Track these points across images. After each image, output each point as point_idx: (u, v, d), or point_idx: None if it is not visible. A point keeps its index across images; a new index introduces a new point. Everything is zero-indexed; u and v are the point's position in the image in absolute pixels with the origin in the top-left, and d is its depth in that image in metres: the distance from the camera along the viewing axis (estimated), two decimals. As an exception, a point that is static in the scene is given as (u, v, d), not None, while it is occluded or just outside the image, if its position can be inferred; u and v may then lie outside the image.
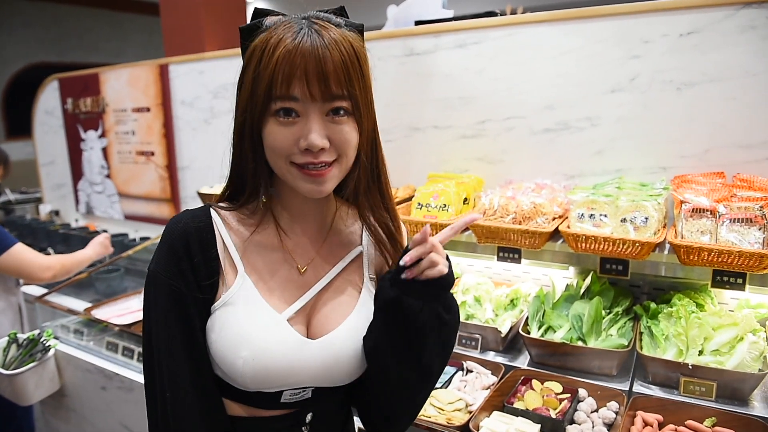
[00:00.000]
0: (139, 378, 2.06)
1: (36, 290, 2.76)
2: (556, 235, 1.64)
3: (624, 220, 1.54)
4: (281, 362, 0.89)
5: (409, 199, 2.03)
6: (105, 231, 3.42)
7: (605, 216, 1.56)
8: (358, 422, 1.13)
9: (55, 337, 2.37)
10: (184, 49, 3.36)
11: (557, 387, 1.54)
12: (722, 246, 1.37)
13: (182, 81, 3.15)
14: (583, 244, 1.54)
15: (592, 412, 1.48)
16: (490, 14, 2.11)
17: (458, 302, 1.83)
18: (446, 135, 2.20)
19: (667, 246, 1.54)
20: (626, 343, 1.59)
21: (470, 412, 1.50)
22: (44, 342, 2.29)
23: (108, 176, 3.70)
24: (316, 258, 0.98)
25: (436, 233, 1.00)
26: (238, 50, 0.89)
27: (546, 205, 1.67)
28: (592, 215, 1.58)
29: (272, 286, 0.93)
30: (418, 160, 2.27)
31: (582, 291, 1.82)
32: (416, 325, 0.87)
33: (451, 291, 0.93)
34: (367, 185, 0.94)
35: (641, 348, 1.57)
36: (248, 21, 0.88)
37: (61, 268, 2.30)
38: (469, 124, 2.14)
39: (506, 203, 1.71)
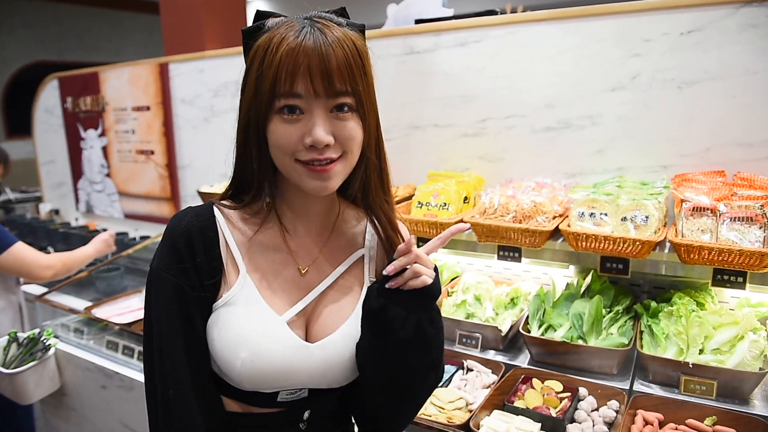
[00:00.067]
0: (140, 377, 2.06)
1: (36, 289, 2.76)
2: (556, 233, 1.64)
3: (624, 219, 1.53)
4: (279, 364, 0.89)
5: (410, 197, 2.03)
6: (105, 230, 3.42)
7: (606, 215, 1.56)
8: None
9: (56, 336, 2.38)
10: (184, 47, 3.35)
11: (558, 386, 1.54)
12: (723, 245, 1.37)
13: (182, 79, 3.15)
14: (584, 243, 1.54)
15: (592, 410, 1.48)
16: (491, 13, 2.12)
17: (459, 301, 1.85)
18: (446, 133, 2.20)
19: (668, 245, 1.54)
20: (627, 342, 1.59)
21: (470, 411, 1.50)
22: (44, 341, 2.29)
23: (108, 175, 3.70)
24: (319, 259, 0.98)
25: (436, 234, 1.00)
26: (239, 49, 0.89)
27: (546, 204, 1.67)
28: (592, 214, 1.58)
29: (274, 287, 0.93)
30: (418, 159, 2.27)
31: (582, 290, 1.82)
32: (400, 334, 0.88)
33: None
34: (375, 182, 0.93)
35: (642, 347, 1.57)
36: (248, 20, 0.88)
37: (62, 267, 2.30)
38: (469, 122, 2.14)
39: (506, 202, 1.71)
